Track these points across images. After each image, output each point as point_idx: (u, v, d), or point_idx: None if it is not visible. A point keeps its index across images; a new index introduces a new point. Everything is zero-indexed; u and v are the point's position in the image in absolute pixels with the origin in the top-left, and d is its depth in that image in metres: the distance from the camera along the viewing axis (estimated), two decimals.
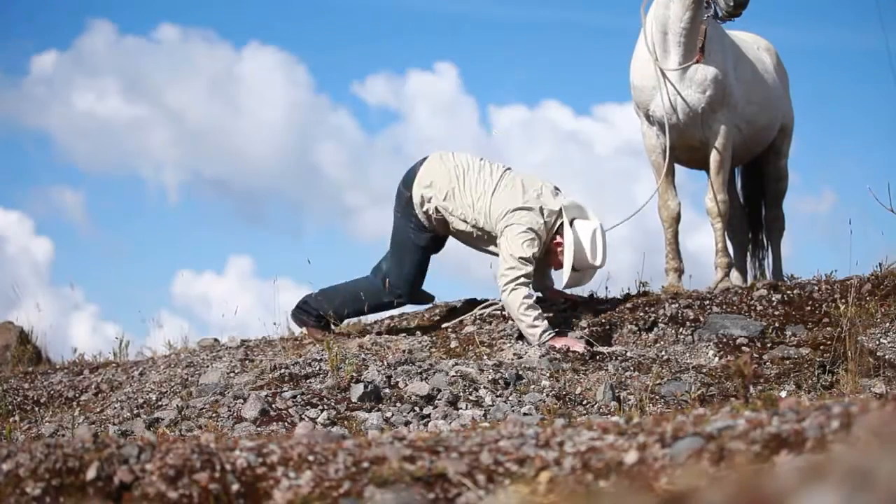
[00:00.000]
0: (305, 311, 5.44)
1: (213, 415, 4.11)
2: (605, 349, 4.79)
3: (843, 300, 4.83)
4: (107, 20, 18.08)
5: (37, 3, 16.90)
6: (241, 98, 18.95)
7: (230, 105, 18.98)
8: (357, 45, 18.66)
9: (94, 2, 18.56)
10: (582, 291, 5.63)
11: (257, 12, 18.57)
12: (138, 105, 18.35)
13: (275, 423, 3.97)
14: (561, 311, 5.25)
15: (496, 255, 5.07)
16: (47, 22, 17.32)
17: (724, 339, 4.79)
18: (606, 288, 5.61)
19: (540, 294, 5.30)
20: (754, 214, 6.75)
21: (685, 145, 5.83)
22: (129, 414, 4.38)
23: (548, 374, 4.43)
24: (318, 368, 4.57)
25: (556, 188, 5.14)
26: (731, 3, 5.38)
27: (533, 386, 4.30)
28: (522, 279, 4.84)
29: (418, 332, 5.27)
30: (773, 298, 5.09)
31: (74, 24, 18.17)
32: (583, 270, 5.05)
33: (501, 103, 20.54)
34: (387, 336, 5.16)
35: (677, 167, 6.04)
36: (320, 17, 18.42)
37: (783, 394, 4.14)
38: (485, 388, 4.21)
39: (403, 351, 4.78)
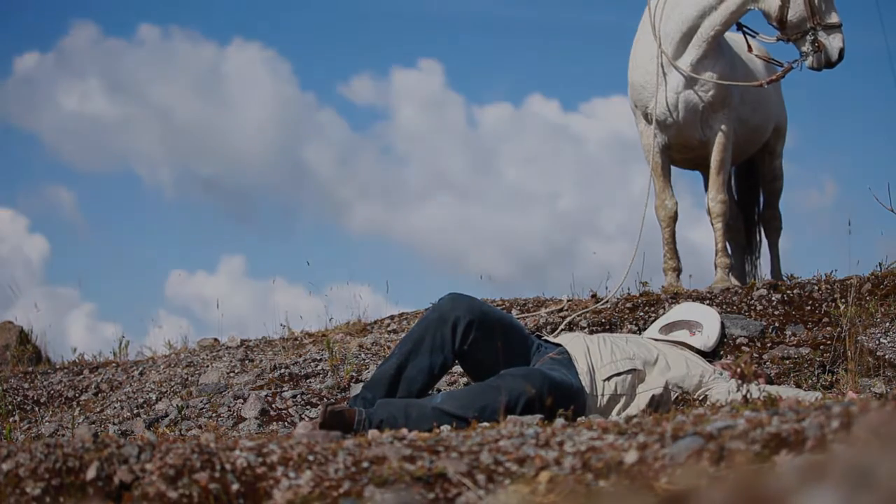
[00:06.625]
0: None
1: (213, 415, 4.11)
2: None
3: (843, 300, 4.83)
4: (90, 21, 18.07)
5: (18, 5, 16.91)
6: (228, 96, 18.94)
7: (217, 103, 18.97)
8: (341, 41, 18.59)
9: (77, 3, 18.55)
10: (583, 291, 5.64)
11: (239, 9, 18.53)
12: (124, 105, 18.34)
13: (275, 423, 3.97)
14: (559, 311, 5.25)
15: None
16: (30, 24, 17.32)
17: (724, 339, 4.79)
18: (606, 288, 5.61)
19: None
20: (749, 215, 6.76)
21: (683, 144, 5.82)
22: (129, 414, 4.38)
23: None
24: (318, 368, 4.57)
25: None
26: (840, 55, 5.44)
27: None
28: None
29: None
30: (773, 298, 5.09)
31: (57, 26, 18.15)
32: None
33: (488, 100, 20.51)
34: (387, 336, 5.16)
35: (672, 168, 6.03)
36: (300, 12, 18.37)
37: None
38: None
39: None
